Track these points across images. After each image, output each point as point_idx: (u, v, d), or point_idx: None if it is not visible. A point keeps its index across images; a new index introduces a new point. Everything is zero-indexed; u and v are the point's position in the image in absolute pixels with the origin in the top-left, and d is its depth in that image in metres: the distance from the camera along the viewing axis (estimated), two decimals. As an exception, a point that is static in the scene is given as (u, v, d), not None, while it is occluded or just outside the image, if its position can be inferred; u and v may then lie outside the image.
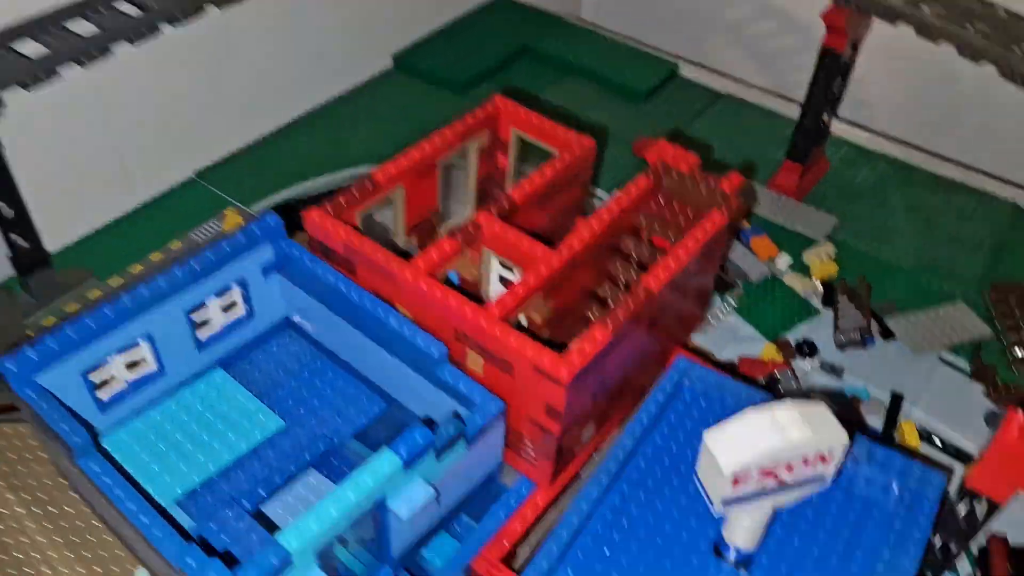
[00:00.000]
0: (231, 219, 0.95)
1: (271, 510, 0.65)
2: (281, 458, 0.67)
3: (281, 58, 1.12)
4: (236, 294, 0.70)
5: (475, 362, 0.65)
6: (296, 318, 0.74)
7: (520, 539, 0.66)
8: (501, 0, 1.40)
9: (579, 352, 0.60)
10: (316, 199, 0.82)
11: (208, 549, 0.55)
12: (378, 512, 0.57)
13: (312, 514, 0.51)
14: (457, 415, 0.61)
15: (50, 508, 0.69)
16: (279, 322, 0.75)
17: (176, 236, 0.91)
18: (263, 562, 0.49)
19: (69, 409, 0.60)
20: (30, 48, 0.78)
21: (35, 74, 0.77)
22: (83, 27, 0.82)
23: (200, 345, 0.70)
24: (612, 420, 0.72)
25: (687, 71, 1.31)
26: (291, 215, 0.73)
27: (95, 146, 0.95)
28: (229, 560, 0.51)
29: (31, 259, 0.88)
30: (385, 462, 0.54)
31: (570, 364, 0.59)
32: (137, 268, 0.87)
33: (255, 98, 1.11)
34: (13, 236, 0.85)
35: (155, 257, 0.88)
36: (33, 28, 0.80)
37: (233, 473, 0.66)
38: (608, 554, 0.65)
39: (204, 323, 0.70)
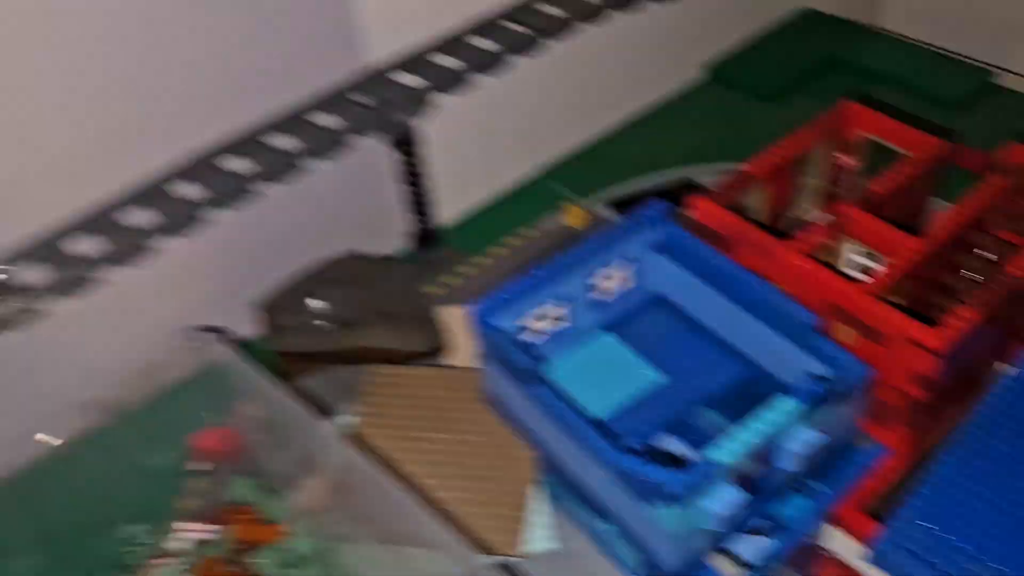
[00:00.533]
0: (574, 214, 1.09)
1: (665, 444, 0.77)
2: (662, 405, 0.79)
3: (598, 69, 1.23)
4: (624, 268, 0.84)
5: (844, 333, 0.73)
6: (670, 294, 0.87)
7: (877, 498, 0.74)
8: (804, 11, 1.47)
9: (953, 326, 0.68)
10: (644, 196, 0.96)
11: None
12: (769, 452, 0.67)
13: (736, 437, 0.63)
14: (829, 377, 0.70)
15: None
16: (656, 296, 0.88)
17: (530, 224, 1.09)
18: (700, 469, 0.62)
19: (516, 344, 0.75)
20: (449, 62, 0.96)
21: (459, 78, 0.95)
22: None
23: (595, 307, 0.84)
24: (958, 401, 0.79)
25: (1001, 79, 1.32)
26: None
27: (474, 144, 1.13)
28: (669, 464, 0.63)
29: (428, 236, 1.07)
30: (791, 403, 0.65)
31: (946, 336, 0.67)
32: (499, 250, 1.05)
33: (575, 106, 1.24)
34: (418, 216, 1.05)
35: (514, 241, 1.05)
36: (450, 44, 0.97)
37: (624, 416, 0.79)
38: (971, 515, 0.71)
39: (599, 289, 0.84)
